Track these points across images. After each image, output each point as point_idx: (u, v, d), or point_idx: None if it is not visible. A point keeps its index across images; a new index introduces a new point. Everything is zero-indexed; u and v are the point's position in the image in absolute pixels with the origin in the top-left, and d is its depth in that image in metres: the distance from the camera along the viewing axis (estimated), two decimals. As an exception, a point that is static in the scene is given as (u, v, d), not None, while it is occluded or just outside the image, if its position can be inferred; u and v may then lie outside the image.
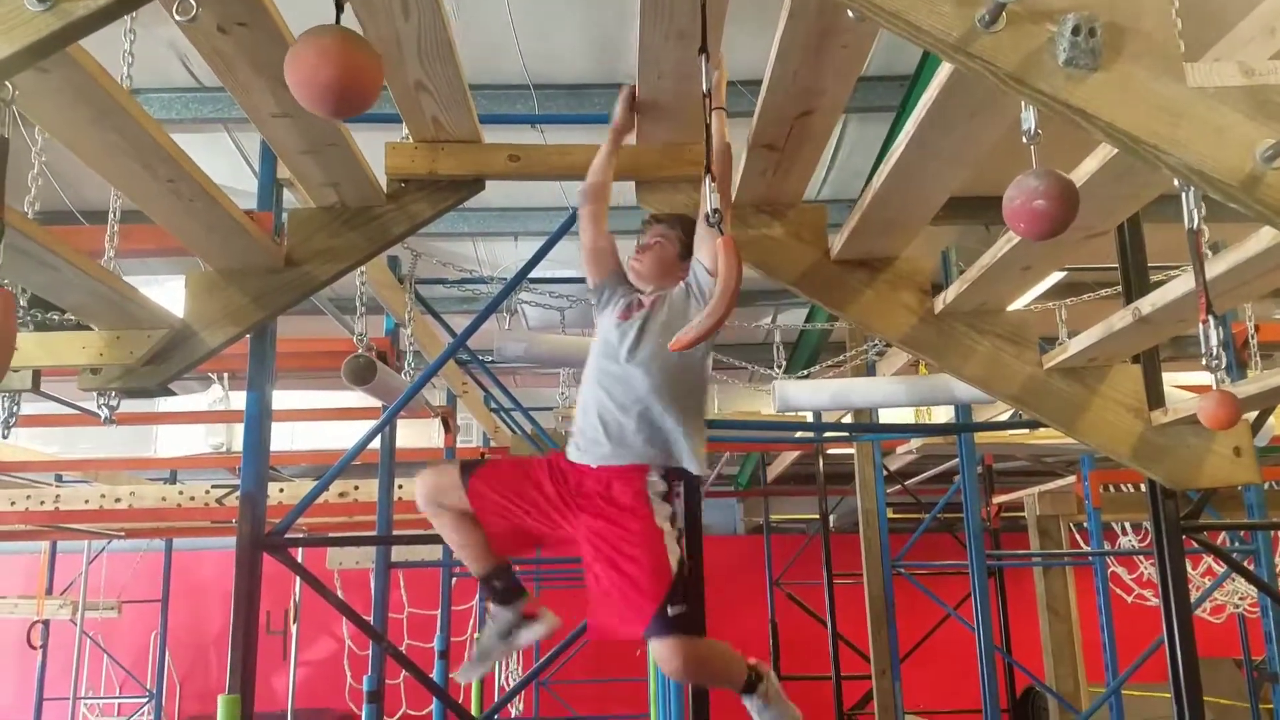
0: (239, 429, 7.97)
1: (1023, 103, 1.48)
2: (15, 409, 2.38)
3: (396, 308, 4.18)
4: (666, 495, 2.05)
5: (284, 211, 2.71)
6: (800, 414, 6.12)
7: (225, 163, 4.80)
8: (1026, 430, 5.44)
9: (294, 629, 8.22)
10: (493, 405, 6.08)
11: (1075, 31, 1.39)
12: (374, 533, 4.68)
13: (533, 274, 3.61)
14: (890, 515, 6.98)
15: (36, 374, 2.31)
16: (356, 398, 6.08)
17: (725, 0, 1.89)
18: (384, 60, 2.01)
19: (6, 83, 1.38)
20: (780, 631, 9.08)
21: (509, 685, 8.54)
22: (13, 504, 5.83)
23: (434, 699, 6.26)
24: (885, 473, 6.74)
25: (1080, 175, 1.82)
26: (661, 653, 1.94)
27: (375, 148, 2.46)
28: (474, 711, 6.29)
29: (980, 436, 5.53)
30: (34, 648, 8.20)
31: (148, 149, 1.75)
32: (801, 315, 7.02)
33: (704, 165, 1.73)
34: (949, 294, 2.61)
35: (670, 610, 1.94)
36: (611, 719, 8.41)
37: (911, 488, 8.02)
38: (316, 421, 7.51)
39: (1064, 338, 3.92)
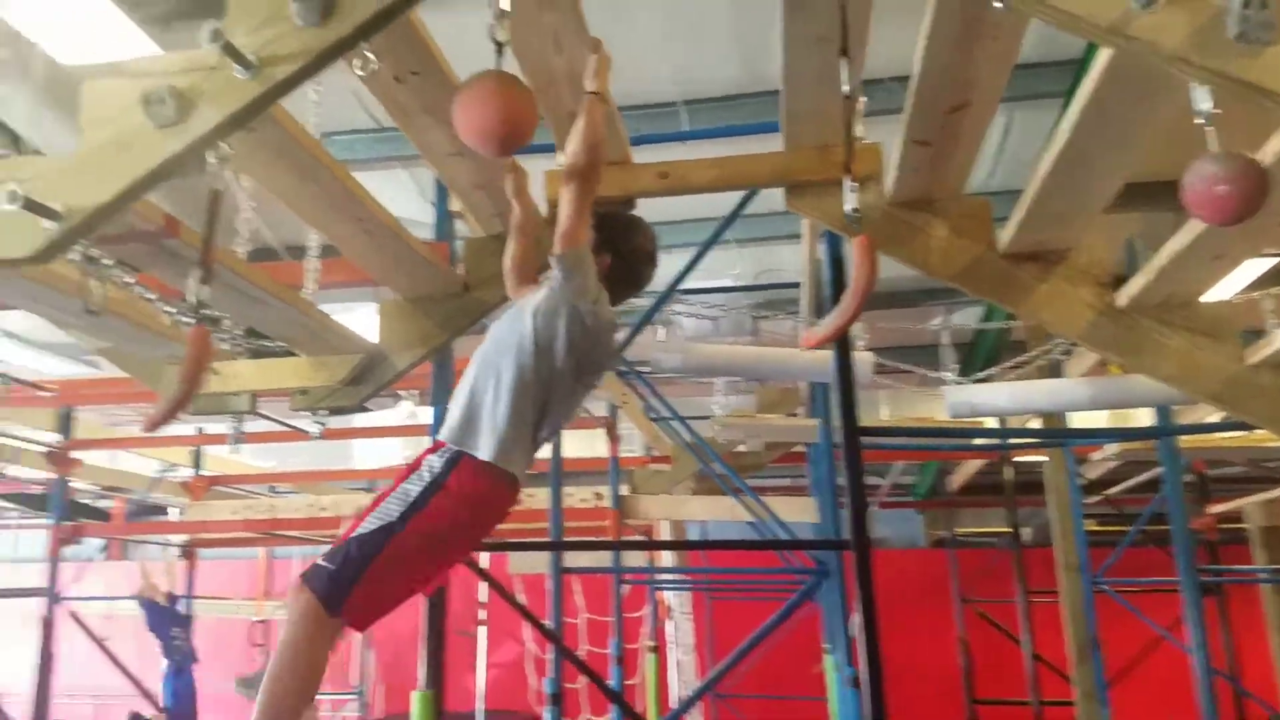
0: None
1: (1192, 83, 1.41)
2: (241, 427, 2.68)
3: (556, 325, 4.34)
4: (440, 470, 1.86)
5: (458, 240, 2.90)
6: (979, 419, 5.88)
7: (404, 197, 5.16)
8: (1240, 432, 4.98)
9: (481, 632, 8.63)
10: (653, 415, 6.20)
11: (1245, 4, 1.31)
12: (547, 539, 4.87)
13: (686, 284, 3.67)
14: (1092, 527, 6.53)
15: (253, 397, 2.59)
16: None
17: (869, 2, 1.89)
18: (539, 92, 2.16)
19: (222, 143, 1.58)
20: (972, 653, 8.64)
21: (686, 694, 8.62)
22: (234, 513, 6.46)
23: (612, 703, 6.43)
24: (1082, 481, 6.31)
25: (1270, 155, 1.70)
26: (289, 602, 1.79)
27: (536, 176, 2.60)
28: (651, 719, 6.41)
29: (1186, 440, 5.09)
30: (255, 645, 9.03)
31: (340, 195, 1.94)
32: (977, 314, 6.74)
33: (862, 171, 1.74)
34: (1132, 286, 2.47)
35: (320, 559, 1.79)
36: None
37: (1114, 497, 7.48)
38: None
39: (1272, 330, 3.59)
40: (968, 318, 6.77)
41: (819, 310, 4.33)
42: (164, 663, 6.70)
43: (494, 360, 1.93)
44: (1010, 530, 7.21)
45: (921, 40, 1.87)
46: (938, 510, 10.42)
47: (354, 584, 1.75)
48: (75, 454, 6.06)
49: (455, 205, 2.81)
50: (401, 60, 1.79)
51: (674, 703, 8.46)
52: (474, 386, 1.91)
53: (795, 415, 5.60)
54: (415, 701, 2.83)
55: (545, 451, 4.07)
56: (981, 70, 1.95)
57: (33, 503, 8.69)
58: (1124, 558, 5.84)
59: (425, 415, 7.82)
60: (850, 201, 1.65)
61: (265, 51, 1.47)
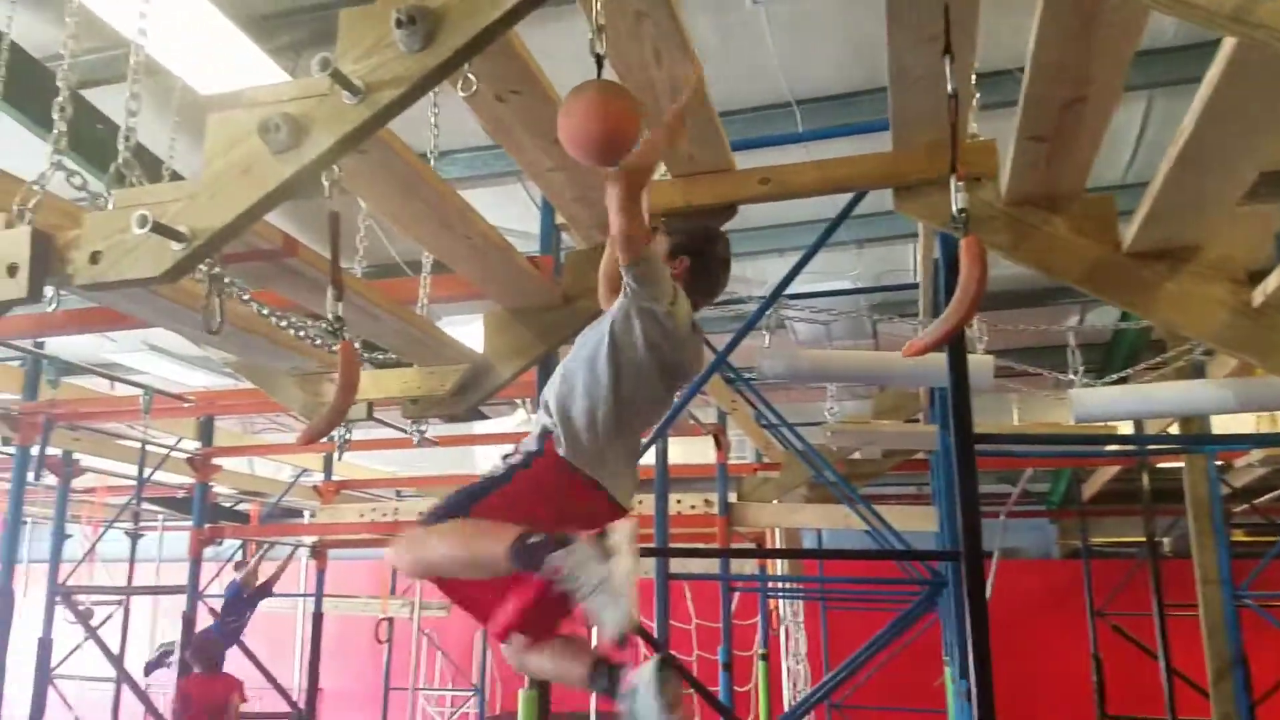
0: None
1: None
2: (348, 435, 2.80)
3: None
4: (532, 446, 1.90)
5: (563, 252, 2.95)
6: (1112, 424, 5.58)
7: (522, 210, 5.28)
8: (1404, 437, 4.57)
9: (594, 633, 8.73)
10: (763, 421, 6.13)
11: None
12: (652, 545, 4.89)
13: (798, 288, 3.61)
14: (1239, 538, 6.11)
15: (370, 405, 2.70)
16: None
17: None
18: (640, 104, 2.17)
19: (335, 166, 1.66)
20: (1105, 668, 8.22)
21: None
22: (361, 515, 6.75)
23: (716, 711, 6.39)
24: (1226, 490, 5.91)
25: None
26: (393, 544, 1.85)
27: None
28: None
29: (1341, 446, 4.72)
30: (380, 642, 9.40)
31: (447, 211, 2.00)
32: (1114, 312, 6.40)
33: (973, 170, 1.68)
34: (1269, 284, 2.30)
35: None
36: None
37: (1263, 505, 6.98)
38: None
39: None
40: (1105, 316, 6.44)
41: (935, 313, 4.21)
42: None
43: (578, 366, 1.95)
44: (1147, 540, 6.81)
45: (1033, 33, 1.80)
46: (1071, 519, 9.93)
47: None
48: (215, 460, 6.44)
49: (561, 218, 2.86)
50: (502, 79, 1.84)
51: (785, 710, 8.36)
52: (560, 392, 1.94)
53: (916, 420, 5.45)
54: (522, 701, 2.89)
55: (649, 459, 4.11)
56: (1097, 64, 1.86)
57: (179, 506, 9.30)
58: (1272, 570, 5.44)
59: (540, 421, 8.01)
60: (957, 201, 1.60)
61: (372, 78, 1.54)
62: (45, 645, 6.50)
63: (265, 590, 7.80)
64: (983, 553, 2.78)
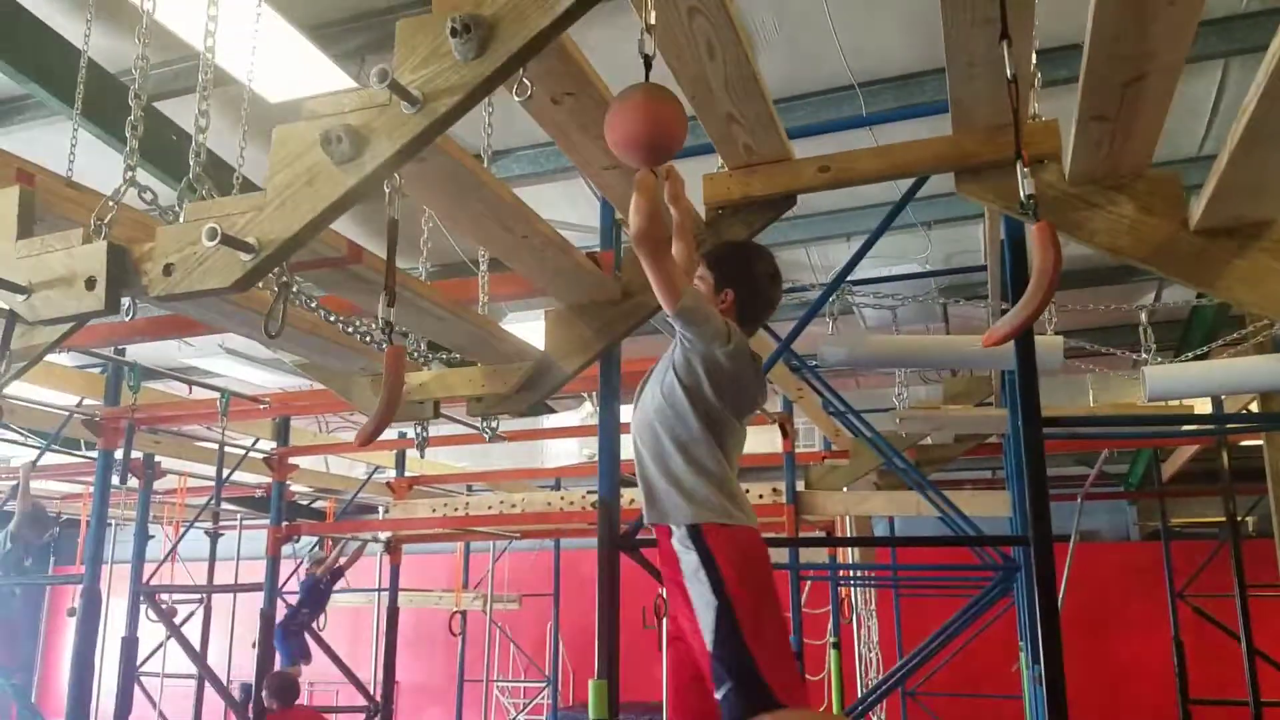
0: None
1: None
2: (425, 434, 2.86)
3: (730, 323, 4.35)
4: (694, 551, 1.90)
5: (624, 247, 2.96)
6: (1188, 403, 5.40)
7: (587, 205, 5.33)
8: None
9: (662, 623, 8.78)
10: (831, 409, 6.07)
11: None
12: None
13: (867, 272, 3.56)
14: (1324, 517, 5.89)
15: (436, 404, 2.76)
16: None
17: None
18: (695, 97, 2.18)
19: (395, 174, 1.69)
20: (1186, 651, 8.00)
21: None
22: (434, 510, 6.88)
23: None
24: (1312, 467, 5.68)
25: None
26: None
27: (692, 178, 2.62)
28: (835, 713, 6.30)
29: None
30: (454, 635, 9.59)
31: (505, 212, 2.03)
32: (1190, 290, 6.20)
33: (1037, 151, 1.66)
34: (1342, 259, 2.21)
35: (719, 692, 1.79)
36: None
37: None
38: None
39: None
40: (1181, 293, 6.25)
41: (1004, 295, 4.13)
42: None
43: (658, 428, 2.01)
44: (1228, 520, 6.58)
45: (1090, 11, 1.75)
46: (1150, 500, 9.66)
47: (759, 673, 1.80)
48: (291, 459, 6.63)
49: (620, 214, 2.88)
50: (557, 82, 1.86)
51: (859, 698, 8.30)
52: (653, 460, 2.00)
53: (988, 404, 5.35)
54: (591, 690, 2.92)
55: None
56: (1157, 40, 1.81)
57: (255, 505, 9.60)
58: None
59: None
60: (1025, 188, 1.57)
61: (429, 87, 1.56)
62: (131, 643, 6.78)
63: (338, 575, 8.03)
64: (1052, 537, 2.73)
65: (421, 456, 2.67)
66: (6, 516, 6.49)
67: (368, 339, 2.27)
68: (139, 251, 1.80)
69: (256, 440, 6.76)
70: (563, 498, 7.04)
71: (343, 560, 8.12)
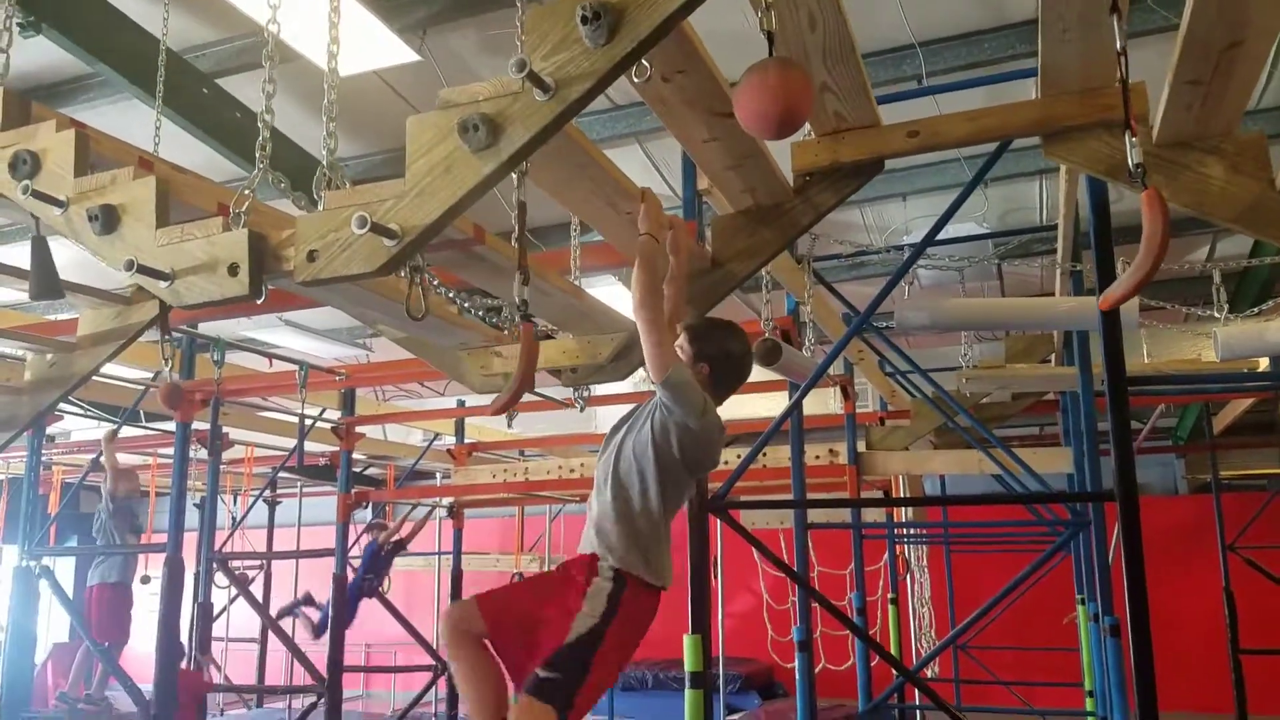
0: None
1: None
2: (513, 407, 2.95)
3: (796, 288, 4.40)
4: (611, 586, 2.15)
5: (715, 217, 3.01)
6: (1254, 360, 5.37)
7: (640, 171, 5.36)
8: None
9: (718, 583, 8.93)
10: (888, 369, 6.11)
11: None
12: (790, 496, 4.98)
13: (923, 232, 3.56)
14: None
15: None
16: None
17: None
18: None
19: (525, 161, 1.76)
20: (1237, 601, 8.01)
21: (925, 646, 8.55)
22: (494, 476, 7.04)
23: (853, 654, 6.53)
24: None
25: None
26: (515, 710, 2.06)
27: (778, 147, 2.66)
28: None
29: None
30: (514, 596, 9.79)
31: (611, 190, 2.10)
32: (1243, 243, 6.14)
33: (1123, 116, 1.71)
34: None
35: (540, 673, 2.04)
36: (1036, 686, 8.03)
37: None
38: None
39: None
40: (1234, 246, 6.18)
41: (1075, 256, 4.13)
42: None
43: (628, 478, 2.22)
44: (1282, 471, 6.57)
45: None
46: (1200, 453, 9.61)
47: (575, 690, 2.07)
48: (359, 429, 6.80)
49: (702, 185, 2.93)
50: (669, 61, 1.91)
51: (914, 652, 8.43)
52: (613, 501, 2.22)
53: (1047, 362, 5.36)
54: (687, 644, 3.02)
55: (777, 409, 4.18)
56: (1255, 8, 1.83)
57: (315, 473, 9.83)
58: None
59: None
60: (1135, 156, 1.60)
61: (560, 74, 1.62)
62: (206, 609, 7.04)
63: (400, 546, 8.22)
64: (1138, 492, 2.78)
65: (509, 426, 2.76)
66: (89, 490, 6.75)
67: (478, 315, 2.36)
68: (276, 238, 1.89)
69: (324, 410, 6.94)
70: (618, 462, 7.14)
71: (405, 531, 8.30)
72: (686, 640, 2.99)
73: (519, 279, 1.89)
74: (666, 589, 2.27)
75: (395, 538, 8.19)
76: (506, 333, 2.90)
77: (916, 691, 7.39)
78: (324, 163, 1.90)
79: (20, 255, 5.38)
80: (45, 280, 2.40)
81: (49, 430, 7.61)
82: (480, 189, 1.70)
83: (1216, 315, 4.10)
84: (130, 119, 4.77)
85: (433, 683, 8.18)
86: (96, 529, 6.96)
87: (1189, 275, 5.66)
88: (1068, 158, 2.50)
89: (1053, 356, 5.42)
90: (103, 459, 6.70)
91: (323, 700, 6.37)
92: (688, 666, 2.96)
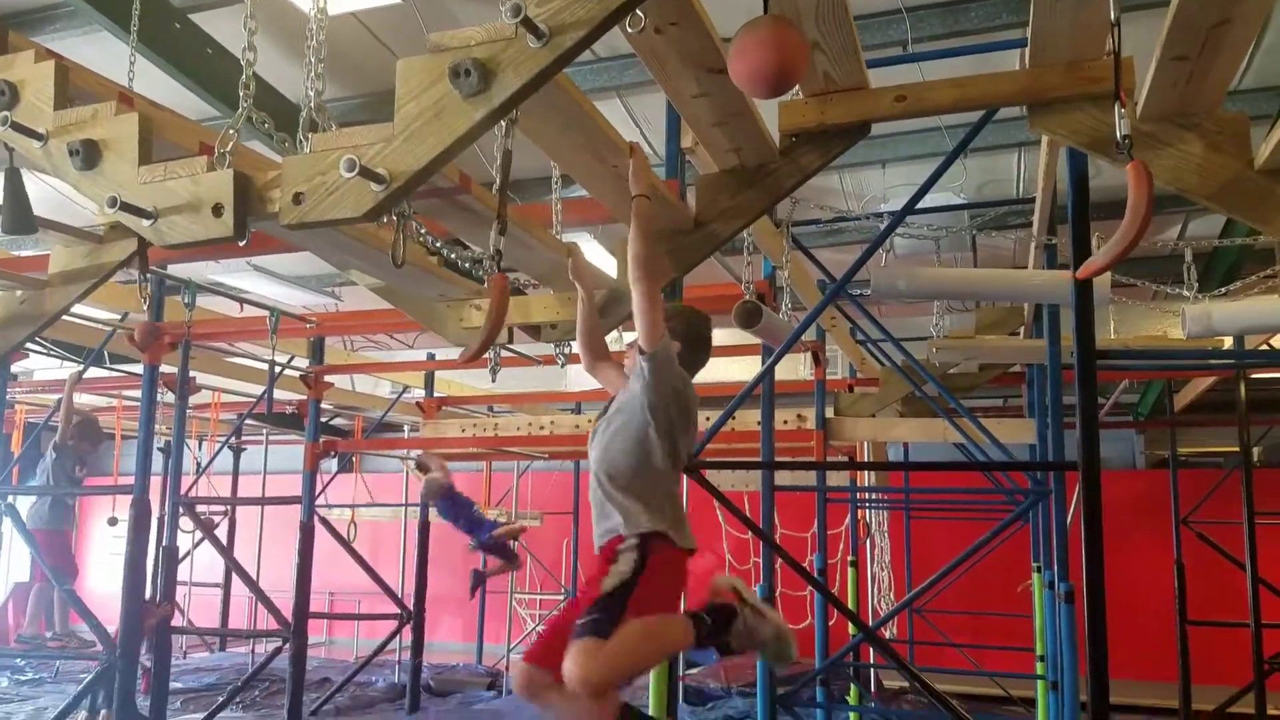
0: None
1: None
2: (498, 357, 2.95)
3: (774, 252, 4.41)
4: (636, 549, 2.25)
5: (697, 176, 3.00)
6: (1219, 339, 5.48)
7: (619, 125, 5.30)
8: None
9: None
10: (859, 337, 6.16)
11: None
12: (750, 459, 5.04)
13: (900, 201, 3.58)
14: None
15: (512, 330, 2.85)
16: (721, 335, 6.50)
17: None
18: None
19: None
20: (1188, 575, 8.25)
21: (882, 608, 8.74)
22: (463, 430, 7.04)
23: (812, 614, 6.66)
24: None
25: None
26: (568, 661, 2.07)
27: (765, 107, 2.65)
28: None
29: None
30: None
31: (600, 142, 2.09)
32: (1215, 222, 6.23)
33: (1109, 89, 1.72)
34: None
35: (582, 620, 2.13)
36: (989, 650, 8.26)
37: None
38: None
39: None
40: (1205, 226, 6.28)
41: (1051, 230, 4.17)
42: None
43: (627, 459, 2.31)
44: (1240, 449, 6.74)
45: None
46: (1160, 429, 9.83)
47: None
48: (327, 378, 6.76)
49: (686, 143, 2.92)
50: (663, 12, 1.89)
51: (871, 614, 8.61)
52: (619, 484, 2.31)
53: (1016, 335, 5.43)
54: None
55: (749, 374, 4.22)
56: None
57: (281, 421, 9.77)
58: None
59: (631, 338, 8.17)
60: (1123, 128, 1.62)
61: (555, 21, 1.61)
62: (170, 552, 7.01)
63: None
64: (1100, 464, 2.85)
65: (493, 380, 2.77)
66: (50, 431, 6.65)
67: (462, 266, 2.35)
68: (262, 180, 1.86)
69: (292, 358, 6.88)
70: (590, 421, 7.17)
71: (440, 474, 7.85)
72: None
73: (495, 228, 1.88)
74: (692, 551, 2.39)
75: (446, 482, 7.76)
76: (486, 286, 2.89)
77: (872, 652, 7.61)
78: (311, 104, 1.87)
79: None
80: (19, 214, 2.36)
81: (12, 369, 7.47)
82: (470, 135, 1.69)
83: (1186, 294, 4.18)
84: (99, 51, 4.64)
85: (397, 631, 8.23)
86: (40, 469, 6.86)
87: (1160, 254, 5.76)
88: (1052, 129, 2.52)
89: (1022, 330, 5.50)
90: (62, 402, 6.60)
91: (287, 645, 6.40)
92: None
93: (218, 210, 1.85)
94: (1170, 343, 5.22)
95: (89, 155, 1.94)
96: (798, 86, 2.58)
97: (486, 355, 2.90)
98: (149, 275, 2.64)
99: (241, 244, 2.06)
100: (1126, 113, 2.45)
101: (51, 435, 6.65)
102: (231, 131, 1.90)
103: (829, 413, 5.63)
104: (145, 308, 2.63)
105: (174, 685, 7.14)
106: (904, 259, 5.99)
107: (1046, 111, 2.51)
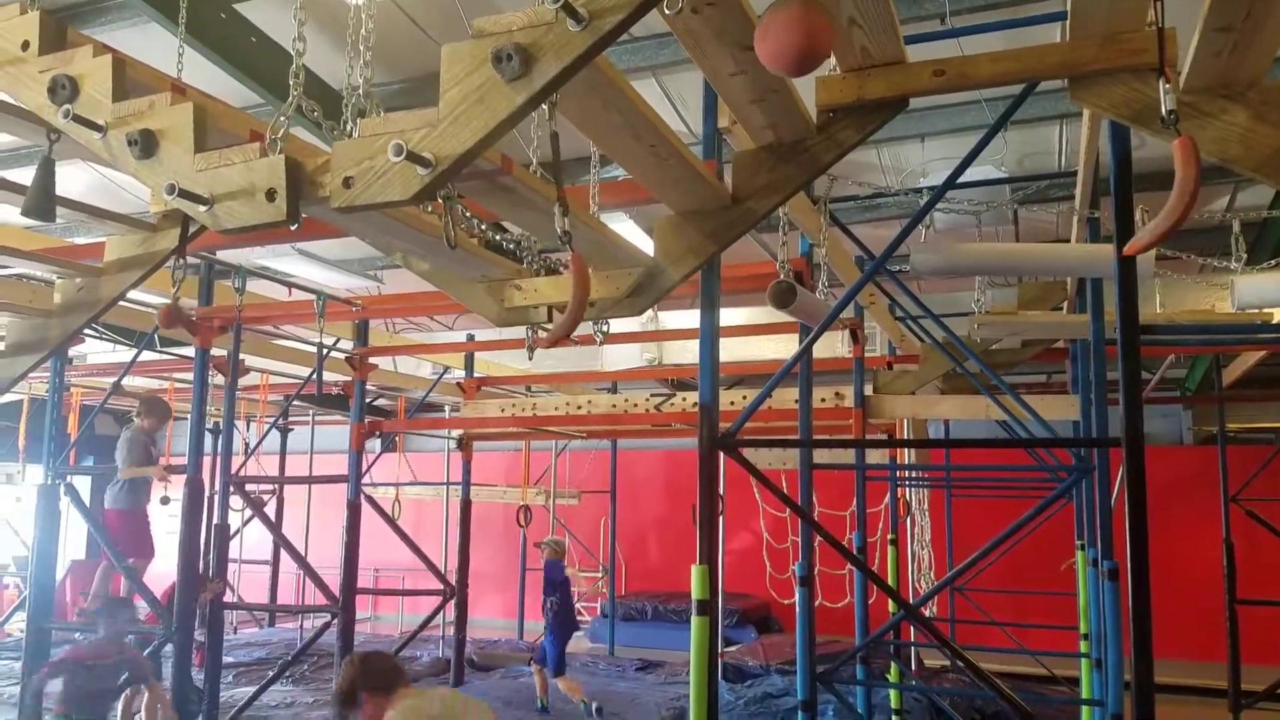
0: (668, 345, 8.83)
1: None
2: (533, 337, 3.00)
3: (811, 229, 4.41)
4: None
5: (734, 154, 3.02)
6: (1269, 311, 5.37)
7: (654, 105, 5.31)
8: None
9: (720, 521, 9.09)
10: (898, 314, 6.12)
11: None
12: (797, 437, 5.05)
13: (939, 175, 3.55)
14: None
15: (550, 309, 2.89)
16: (759, 313, 6.49)
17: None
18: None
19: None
20: (1236, 553, 8.12)
21: (922, 587, 8.73)
22: (502, 410, 7.14)
23: (850, 593, 6.67)
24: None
25: None
26: None
27: (802, 83, 2.65)
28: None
29: None
30: (521, 526, 10.03)
31: (638, 123, 2.12)
32: (1266, 193, 6.10)
33: (1151, 61, 1.71)
34: None
35: None
36: (1031, 629, 8.22)
37: None
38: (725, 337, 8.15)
39: None
40: (1254, 197, 6.14)
41: (1094, 203, 4.12)
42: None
43: None
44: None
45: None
46: (1208, 405, 9.65)
47: None
48: (372, 359, 6.88)
49: (724, 122, 2.93)
50: (700, -7, 1.91)
51: (911, 593, 8.61)
52: None
53: (1059, 310, 5.37)
54: (695, 574, 3.10)
55: (787, 353, 4.20)
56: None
57: (328, 402, 9.96)
58: None
59: (666, 319, 8.20)
60: (1168, 102, 1.62)
61: (594, 5, 1.63)
62: (222, 530, 7.20)
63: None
64: (1144, 439, 2.83)
65: (530, 359, 2.81)
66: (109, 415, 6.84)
67: (507, 247, 2.39)
68: (313, 165, 1.92)
69: (338, 340, 7.01)
70: (626, 400, 7.24)
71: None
72: (695, 570, 3.07)
73: (559, 210, 1.91)
74: None
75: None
76: (526, 265, 2.93)
77: (913, 631, 7.61)
78: (360, 91, 1.92)
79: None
80: (42, 200, 2.45)
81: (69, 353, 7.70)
82: (513, 119, 1.73)
83: (1233, 266, 4.10)
84: (148, 42, 4.75)
85: (441, 607, 8.40)
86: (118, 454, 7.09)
87: (1207, 226, 5.64)
88: (1094, 102, 2.49)
89: (1065, 305, 5.43)
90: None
91: (335, 620, 6.56)
92: (695, 594, 3.04)
93: (271, 195, 1.91)
94: (1217, 317, 5.13)
95: (147, 145, 2.01)
96: (835, 61, 2.58)
97: (522, 337, 2.94)
98: (194, 260, 2.72)
99: (294, 228, 2.13)
100: (1170, 86, 2.45)
101: (107, 417, 6.85)
102: (283, 119, 1.95)
103: (867, 390, 5.62)
104: (174, 291, 2.70)
105: (225, 660, 7.36)
106: (944, 234, 5.94)
107: (1087, 84, 2.48)
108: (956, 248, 3.76)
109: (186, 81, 2.98)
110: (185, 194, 1.94)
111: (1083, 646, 5.82)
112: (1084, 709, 5.84)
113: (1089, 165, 3.86)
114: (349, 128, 2.01)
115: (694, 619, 3.05)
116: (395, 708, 3.12)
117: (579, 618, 12.08)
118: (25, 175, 6.35)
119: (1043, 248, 4.35)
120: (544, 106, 1.93)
